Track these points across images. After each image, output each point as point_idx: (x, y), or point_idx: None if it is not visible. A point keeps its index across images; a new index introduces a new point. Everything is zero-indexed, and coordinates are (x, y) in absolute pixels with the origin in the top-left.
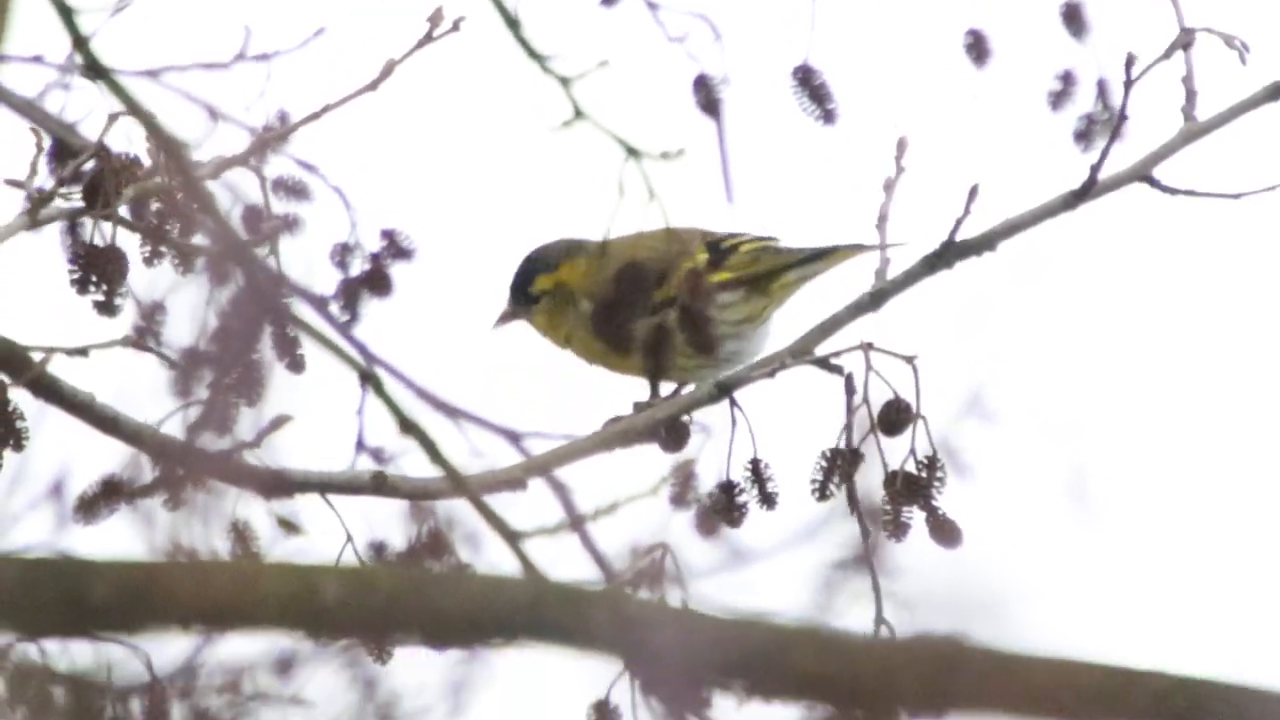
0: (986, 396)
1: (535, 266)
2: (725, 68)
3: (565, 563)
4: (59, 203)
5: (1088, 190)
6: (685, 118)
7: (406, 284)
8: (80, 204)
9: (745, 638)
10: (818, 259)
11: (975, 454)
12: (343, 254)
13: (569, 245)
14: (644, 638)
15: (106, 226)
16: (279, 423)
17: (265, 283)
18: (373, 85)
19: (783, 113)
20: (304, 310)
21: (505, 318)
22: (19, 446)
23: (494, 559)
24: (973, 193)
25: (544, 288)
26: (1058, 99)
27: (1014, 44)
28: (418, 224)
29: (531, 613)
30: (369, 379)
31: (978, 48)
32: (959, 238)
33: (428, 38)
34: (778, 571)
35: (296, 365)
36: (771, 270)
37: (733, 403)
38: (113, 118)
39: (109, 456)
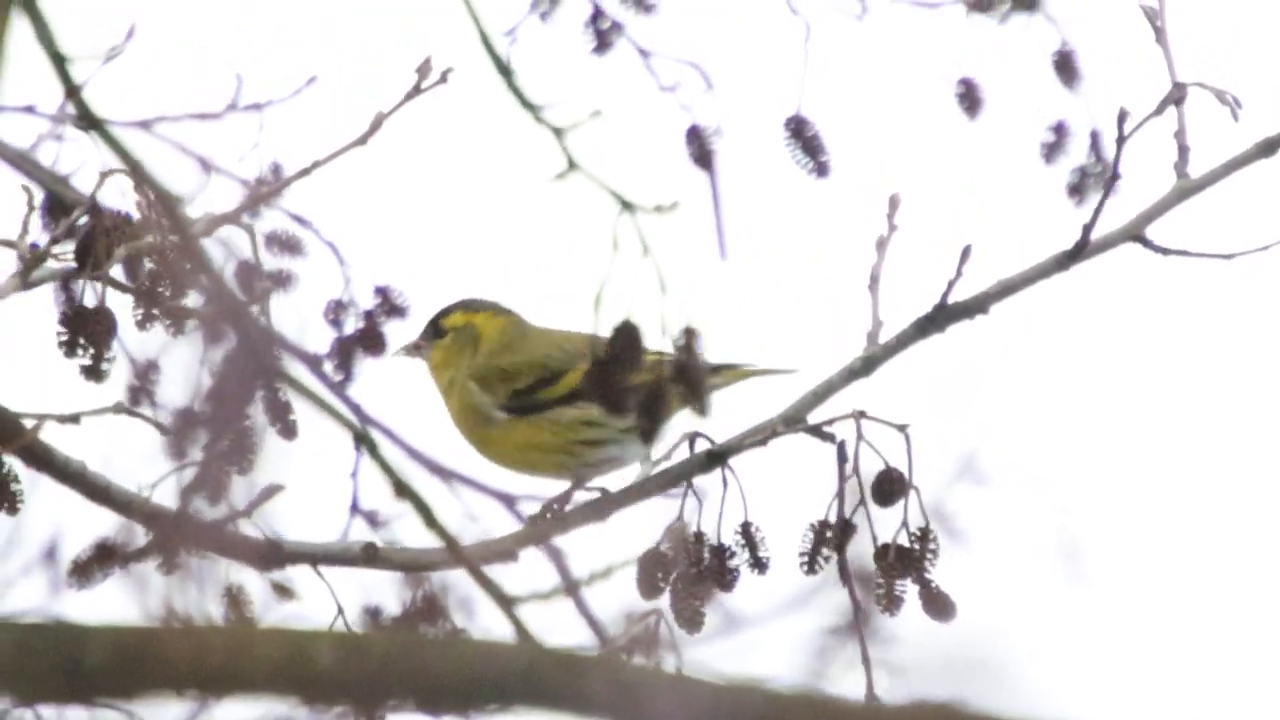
0: (980, 461)
1: (458, 305)
2: (718, 117)
3: (560, 628)
4: (51, 263)
5: (1080, 251)
6: (679, 167)
7: (400, 341)
8: (72, 264)
9: (741, 704)
10: (712, 374)
11: (969, 519)
12: (336, 311)
13: (502, 307)
14: (640, 703)
15: (99, 287)
16: (270, 493)
17: (259, 342)
18: (362, 140)
19: (776, 164)
20: (297, 369)
21: (409, 349)
22: (13, 510)
23: (488, 624)
24: (964, 254)
25: (455, 324)
26: (1051, 151)
27: (1007, 94)
28: (412, 279)
29: (526, 678)
30: (363, 440)
31: (970, 98)
32: (951, 300)
33: (416, 90)
34: (772, 637)
35: (289, 431)
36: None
37: (725, 467)
38: (104, 175)
39: (103, 519)
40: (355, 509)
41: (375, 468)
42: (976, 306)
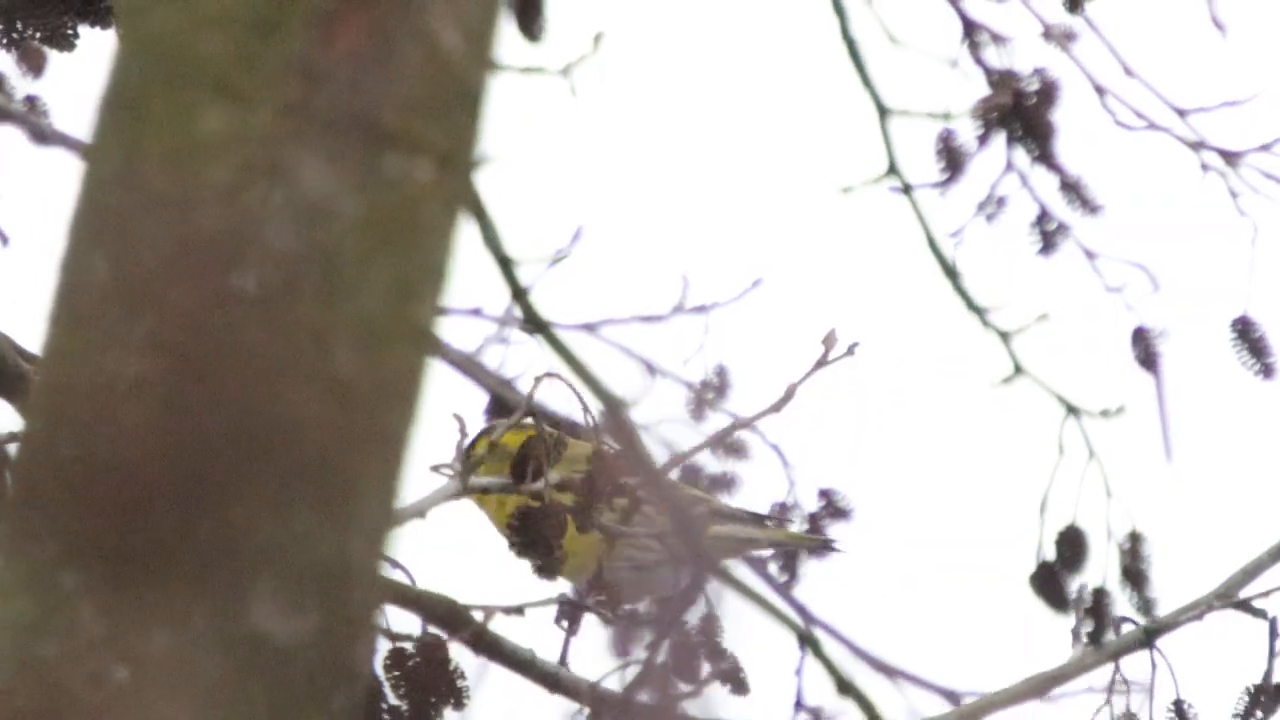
0: None
1: (480, 433)
2: (1164, 319)
3: None
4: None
5: None
6: (1124, 368)
7: (845, 542)
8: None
9: None
10: (753, 523)
11: None
12: (781, 514)
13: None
14: None
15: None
16: (720, 674)
17: (702, 546)
18: (776, 408)
19: (1222, 365)
20: (743, 571)
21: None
22: (460, 706)
23: None
24: None
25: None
26: None
27: None
28: (855, 482)
29: None
30: (807, 640)
31: None
32: None
33: (822, 361)
34: None
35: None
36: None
37: (1154, 648)
38: (539, 379)
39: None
40: (799, 705)
41: (819, 665)
42: None
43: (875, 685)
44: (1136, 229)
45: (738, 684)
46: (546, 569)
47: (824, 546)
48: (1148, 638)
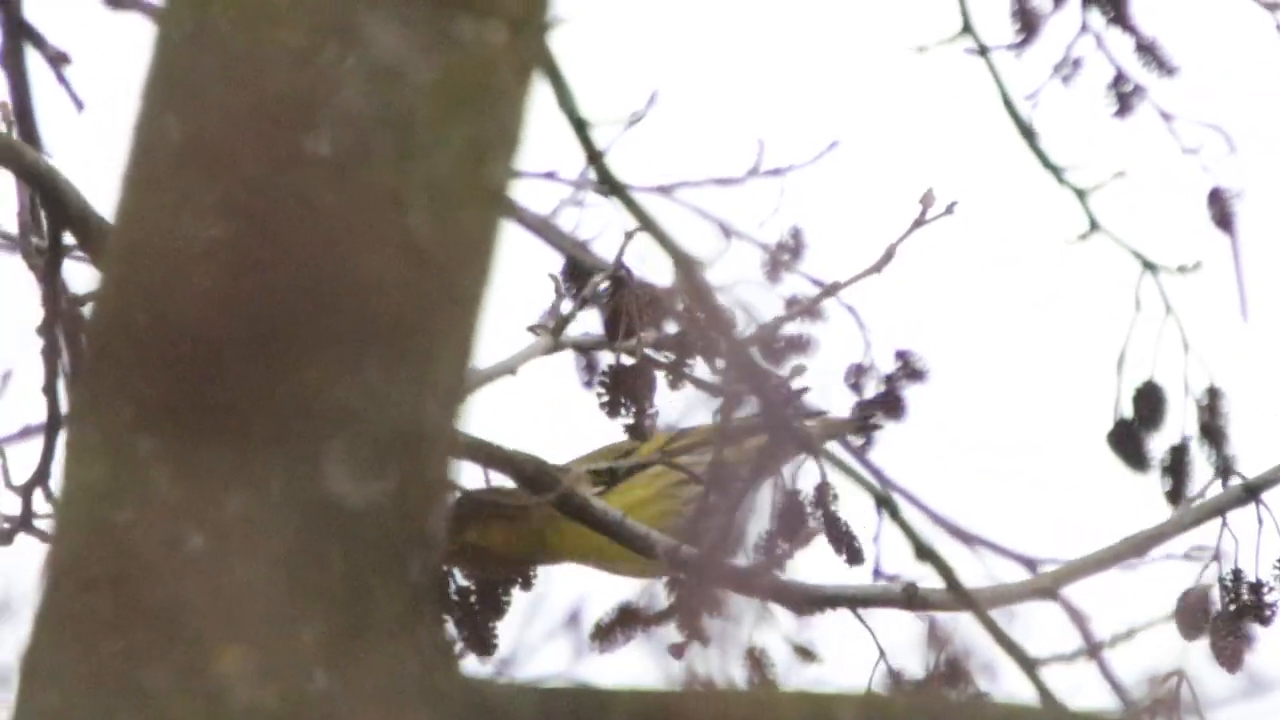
0: None
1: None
2: (1240, 179)
3: (1082, 691)
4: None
5: None
6: (1201, 229)
7: (921, 406)
8: (598, 329)
9: None
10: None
11: None
12: (856, 376)
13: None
14: None
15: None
16: (807, 537)
17: (779, 407)
18: (876, 268)
19: None
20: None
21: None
22: (527, 586)
23: (1011, 687)
24: None
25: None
26: None
27: None
28: (931, 344)
29: None
30: (885, 504)
31: None
32: None
33: (920, 221)
34: None
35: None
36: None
37: (1259, 503)
38: (629, 235)
39: (624, 583)
40: (878, 572)
41: (897, 531)
42: None
43: (953, 552)
44: (1212, 91)
45: (853, 553)
46: (638, 429)
47: (867, 425)
48: (1249, 494)
